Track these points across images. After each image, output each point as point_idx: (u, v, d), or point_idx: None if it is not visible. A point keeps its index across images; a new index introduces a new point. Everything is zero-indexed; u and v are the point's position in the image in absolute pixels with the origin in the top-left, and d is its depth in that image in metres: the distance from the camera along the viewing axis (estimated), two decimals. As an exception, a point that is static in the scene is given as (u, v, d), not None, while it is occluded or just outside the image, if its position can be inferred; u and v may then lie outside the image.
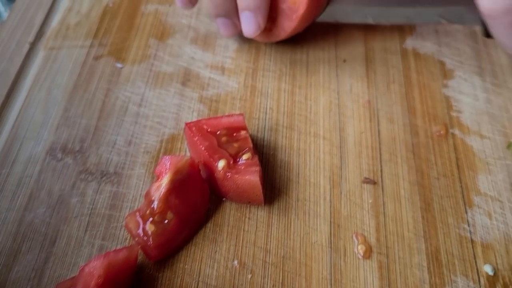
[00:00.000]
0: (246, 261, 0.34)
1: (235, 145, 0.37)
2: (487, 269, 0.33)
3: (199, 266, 0.34)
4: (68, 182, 0.38)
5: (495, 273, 0.33)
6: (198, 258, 0.34)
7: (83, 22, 0.49)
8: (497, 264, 0.34)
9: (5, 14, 0.55)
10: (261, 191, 0.35)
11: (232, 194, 0.36)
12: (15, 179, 0.38)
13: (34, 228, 0.36)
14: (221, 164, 0.35)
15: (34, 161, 0.39)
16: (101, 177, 0.38)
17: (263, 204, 0.36)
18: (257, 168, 0.35)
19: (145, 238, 0.33)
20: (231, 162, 0.36)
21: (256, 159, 0.36)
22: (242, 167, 0.35)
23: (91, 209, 0.37)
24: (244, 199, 0.36)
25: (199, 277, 0.34)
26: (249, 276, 0.34)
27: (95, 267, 0.30)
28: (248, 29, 0.38)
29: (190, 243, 0.35)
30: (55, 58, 0.46)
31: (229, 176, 0.35)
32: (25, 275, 0.34)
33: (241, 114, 0.38)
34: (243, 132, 0.37)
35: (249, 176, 0.35)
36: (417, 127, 0.40)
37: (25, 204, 0.37)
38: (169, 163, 0.34)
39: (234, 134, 0.37)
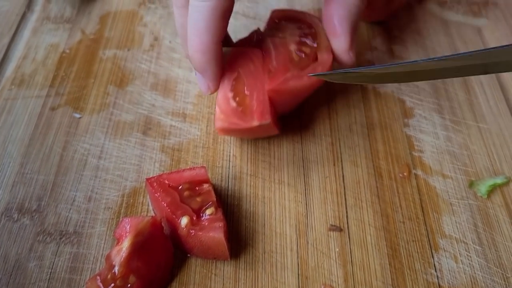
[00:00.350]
0: (214, 321, 0.33)
1: (198, 199, 0.36)
2: (455, 315, 0.33)
3: (164, 330, 0.33)
4: (25, 245, 0.37)
5: (463, 319, 0.33)
6: (163, 322, 0.33)
7: (39, 70, 0.48)
8: (464, 309, 0.34)
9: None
10: (226, 247, 0.34)
11: (197, 250, 0.35)
12: (-33, 245, 0.37)
13: (-12, 298, 0.34)
14: (184, 221, 0.34)
15: (-12, 224, 0.38)
16: (60, 238, 0.37)
17: (229, 259, 0.36)
18: (221, 224, 0.34)
19: (107, 304, 0.32)
20: (194, 218, 0.35)
21: (220, 213, 0.35)
22: (206, 223, 0.35)
23: (50, 274, 0.35)
24: (210, 255, 0.35)
25: None
26: (217, 337, 0.33)
27: None
28: (201, 89, 0.37)
29: (154, 306, 0.34)
30: (10, 110, 0.45)
31: (193, 233, 0.34)
32: None
33: (203, 167, 0.37)
34: (205, 185, 0.37)
35: (213, 233, 0.34)
36: (380, 169, 0.40)
37: (-22, 272, 0.35)
38: (129, 225, 0.33)
39: (197, 188, 0.37)
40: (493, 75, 0.47)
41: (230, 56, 0.38)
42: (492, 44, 0.50)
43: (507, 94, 0.45)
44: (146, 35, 0.51)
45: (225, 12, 0.34)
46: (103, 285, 0.32)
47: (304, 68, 0.37)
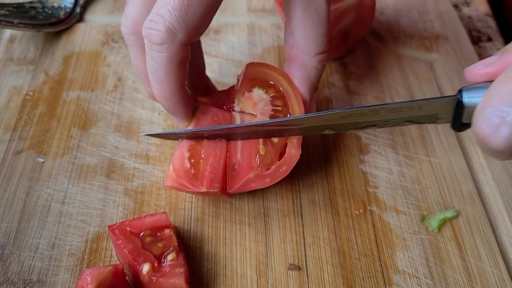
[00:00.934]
0: None
1: (160, 244, 0.37)
2: None
3: None
4: (-13, 296, 0.37)
5: None
6: None
7: (1, 114, 0.48)
8: None
9: None
10: None
11: None
12: None
13: None
14: (145, 268, 0.35)
15: (-51, 275, 0.38)
16: (24, 287, 0.37)
17: (191, 303, 0.37)
18: (182, 269, 0.35)
19: None
20: (156, 265, 0.36)
21: (181, 258, 0.36)
22: (167, 269, 0.35)
23: (13, 325, 0.35)
24: None
25: None
26: None
27: None
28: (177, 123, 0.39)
29: None
30: (-28, 156, 0.45)
31: (154, 280, 0.35)
32: None
33: (164, 213, 0.38)
34: (167, 231, 0.38)
35: (174, 279, 0.35)
36: (337, 207, 0.42)
37: None
38: (90, 277, 0.33)
39: (158, 234, 0.38)
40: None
41: (200, 112, 0.39)
42: (443, 78, 0.52)
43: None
44: (109, 75, 0.52)
45: (182, 60, 0.35)
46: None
47: (268, 166, 0.37)
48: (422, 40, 0.56)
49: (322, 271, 0.38)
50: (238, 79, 0.40)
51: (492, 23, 0.62)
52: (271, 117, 0.38)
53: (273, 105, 0.39)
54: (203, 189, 0.36)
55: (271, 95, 0.39)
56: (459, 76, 0.52)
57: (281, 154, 0.38)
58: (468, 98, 0.31)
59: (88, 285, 0.33)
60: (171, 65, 0.35)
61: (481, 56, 0.58)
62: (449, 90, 0.51)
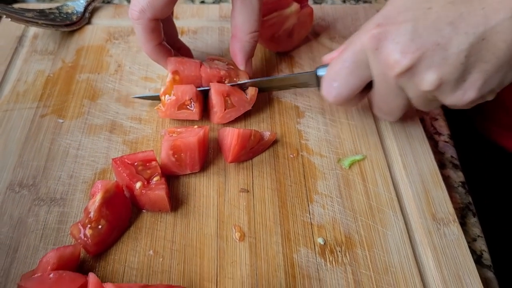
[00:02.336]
0: (159, 250, 0.49)
1: (148, 171, 0.52)
2: (320, 240, 0.51)
3: (125, 256, 0.49)
4: (25, 207, 0.52)
5: (325, 243, 0.50)
6: (124, 251, 0.49)
7: (30, 89, 0.64)
8: (326, 237, 0.51)
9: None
10: (167, 202, 0.51)
11: (147, 205, 0.51)
12: (-17, 208, 0.52)
13: (0, 242, 0.49)
14: (138, 185, 0.51)
15: (-3, 195, 0.53)
16: (51, 202, 0.52)
17: (170, 211, 0.52)
18: (163, 186, 0.51)
19: (85, 239, 0.47)
20: (145, 183, 0.51)
21: (163, 180, 0.52)
22: (153, 186, 0.51)
23: (44, 225, 0.51)
24: (156, 209, 0.52)
25: (125, 264, 0.48)
26: (161, 259, 0.49)
27: (50, 257, 0.44)
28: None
29: (118, 241, 0.50)
30: (9, 118, 0.60)
31: (144, 193, 0.50)
32: (-4, 274, 0.47)
33: (151, 151, 0.54)
34: (153, 163, 0.53)
35: (158, 192, 0.50)
36: (278, 152, 0.58)
37: (-8, 225, 0.50)
38: (100, 185, 0.49)
39: (147, 164, 0.53)
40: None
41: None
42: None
43: (370, 101, 0.64)
44: (111, 63, 0.68)
45: (153, 29, 0.55)
46: (82, 227, 0.48)
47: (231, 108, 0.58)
48: (353, 39, 0.73)
49: (264, 193, 0.54)
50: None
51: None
52: (226, 71, 0.59)
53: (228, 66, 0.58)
54: (188, 172, 0.53)
55: (226, 63, 0.58)
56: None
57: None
58: (319, 73, 0.55)
59: (99, 190, 0.49)
60: (145, 32, 0.54)
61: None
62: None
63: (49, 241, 0.49)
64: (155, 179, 0.52)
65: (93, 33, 0.72)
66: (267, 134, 0.57)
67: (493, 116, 0.79)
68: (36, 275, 0.43)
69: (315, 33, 0.73)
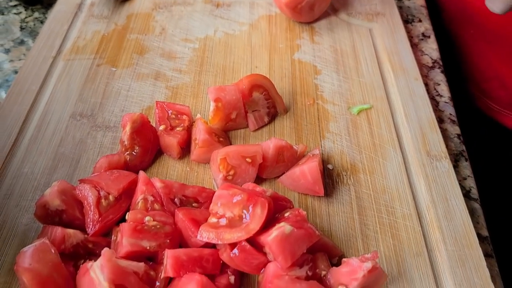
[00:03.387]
0: (194, 167, 0.59)
1: (177, 121, 0.62)
2: (329, 166, 0.60)
3: (165, 170, 0.59)
4: (84, 132, 0.63)
5: (333, 168, 0.60)
6: (165, 165, 0.59)
7: (88, 45, 0.75)
8: (335, 164, 0.60)
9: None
10: (176, 150, 0.59)
11: (162, 146, 0.60)
12: (51, 130, 0.63)
13: (65, 155, 0.60)
14: (162, 127, 0.60)
15: (62, 122, 0.64)
16: (105, 129, 0.63)
17: (176, 159, 0.61)
18: (179, 136, 0.58)
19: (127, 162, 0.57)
20: (168, 128, 0.60)
21: (185, 132, 0.59)
22: (172, 132, 0.60)
23: (100, 145, 0.61)
24: (167, 152, 0.60)
25: (166, 176, 0.58)
26: (195, 174, 0.59)
27: (103, 162, 0.54)
28: None
29: (155, 161, 0.60)
30: (71, 66, 0.72)
31: (162, 134, 0.59)
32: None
33: (188, 107, 0.63)
34: (185, 116, 0.62)
35: (171, 138, 0.58)
36: (297, 101, 0.68)
37: (58, 143, 0.61)
38: (127, 117, 0.58)
39: (179, 116, 0.62)
40: (373, 53, 0.75)
41: None
42: (377, 38, 0.78)
43: (380, 63, 0.74)
44: (156, 27, 0.79)
45: None
46: (122, 148, 0.58)
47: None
48: (367, 15, 0.83)
49: (283, 129, 0.64)
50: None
51: (424, 11, 0.89)
52: (269, 107, 0.63)
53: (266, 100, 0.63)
54: None
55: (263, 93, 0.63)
56: (388, 37, 0.78)
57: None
58: None
59: (127, 122, 0.58)
60: None
61: (410, 31, 0.84)
62: (381, 46, 0.77)
63: (103, 154, 0.60)
64: (179, 128, 0.61)
65: (141, 3, 0.83)
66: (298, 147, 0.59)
67: (493, 94, 0.87)
68: (94, 174, 0.54)
69: (334, 9, 0.83)
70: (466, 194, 0.62)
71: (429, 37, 0.84)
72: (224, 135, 0.62)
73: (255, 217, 0.45)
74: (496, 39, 0.81)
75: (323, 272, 0.47)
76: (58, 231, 0.47)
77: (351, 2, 0.85)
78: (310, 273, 0.46)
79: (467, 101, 0.92)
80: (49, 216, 0.50)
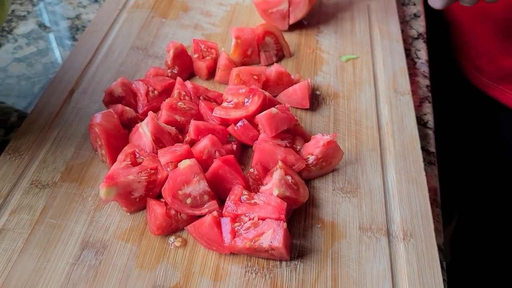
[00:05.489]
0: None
1: (207, 52, 0.82)
2: (317, 92, 0.79)
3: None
4: (139, 58, 0.85)
5: (320, 94, 0.79)
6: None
7: (146, 2, 0.98)
8: (321, 91, 0.80)
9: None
10: (204, 72, 0.81)
11: (196, 71, 0.82)
12: (115, 55, 0.85)
13: (124, 72, 0.82)
14: (195, 55, 0.81)
15: (123, 51, 0.86)
16: (154, 58, 0.85)
17: (203, 78, 0.82)
18: (203, 63, 0.81)
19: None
20: (200, 57, 0.81)
21: (214, 60, 0.82)
22: (201, 58, 0.81)
23: (149, 66, 0.83)
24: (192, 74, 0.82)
25: (195, 90, 0.80)
26: (217, 90, 0.80)
27: (151, 71, 0.76)
28: None
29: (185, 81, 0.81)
30: (132, 16, 0.95)
31: (197, 60, 0.81)
32: (123, 83, 0.80)
33: (215, 43, 0.84)
34: (212, 50, 0.83)
35: (201, 62, 0.80)
36: (300, 49, 0.88)
37: (120, 63, 0.84)
38: (171, 44, 0.79)
39: (209, 49, 0.83)
40: (367, 21, 0.94)
41: None
42: (373, 13, 0.98)
43: (371, 28, 0.93)
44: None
45: None
46: (166, 66, 0.80)
47: None
48: (368, -5, 1.02)
49: (286, 65, 0.84)
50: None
51: (418, -3, 1.08)
52: (278, 50, 0.84)
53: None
54: None
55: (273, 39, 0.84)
56: (381, 11, 0.97)
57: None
58: None
59: (171, 48, 0.80)
60: None
61: (404, 12, 1.03)
62: (374, 17, 0.96)
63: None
64: (207, 57, 0.82)
65: (188, -24, 1.06)
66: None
67: (484, 69, 1.00)
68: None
69: (341, -11, 1.03)
70: (424, 124, 0.80)
71: (419, 16, 1.03)
72: (240, 66, 0.83)
73: (253, 102, 0.66)
74: (486, 17, 0.93)
75: (298, 147, 0.66)
76: (119, 106, 0.69)
77: (356, -15, 1.05)
78: (288, 145, 0.65)
79: (462, 77, 1.05)
80: (113, 102, 0.72)
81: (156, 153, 0.63)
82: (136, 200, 0.60)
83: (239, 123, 0.66)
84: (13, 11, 1.00)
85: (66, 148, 0.69)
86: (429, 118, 0.81)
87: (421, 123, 0.79)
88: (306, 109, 0.76)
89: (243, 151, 0.69)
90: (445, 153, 0.86)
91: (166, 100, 0.69)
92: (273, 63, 0.84)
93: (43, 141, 0.70)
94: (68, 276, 0.55)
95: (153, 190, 0.60)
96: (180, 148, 0.60)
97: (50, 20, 0.99)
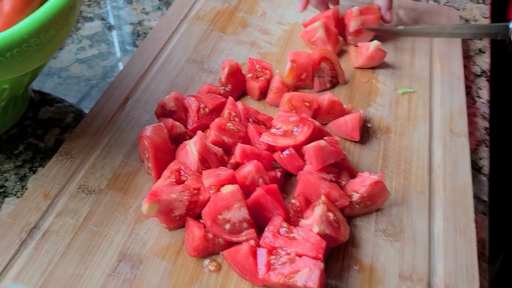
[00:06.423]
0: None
1: (261, 73, 0.82)
2: (369, 125, 0.77)
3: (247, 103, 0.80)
4: (194, 72, 0.86)
5: (371, 127, 0.77)
6: (241, 101, 0.81)
7: (206, 15, 0.99)
8: (373, 124, 0.78)
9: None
10: (256, 92, 0.80)
11: (248, 91, 0.82)
12: (171, 66, 0.87)
13: (179, 84, 0.83)
14: (249, 75, 0.81)
15: (180, 63, 0.88)
16: (209, 72, 0.86)
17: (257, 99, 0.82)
18: (256, 84, 0.80)
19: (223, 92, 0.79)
20: (254, 77, 0.81)
21: (268, 80, 0.81)
22: (255, 78, 0.81)
23: (203, 81, 0.84)
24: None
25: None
26: (267, 112, 0.79)
27: (205, 87, 0.77)
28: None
29: (237, 100, 0.82)
30: (192, 27, 0.96)
31: (247, 79, 0.81)
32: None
33: (270, 64, 0.83)
34: (267, 71, 0.83)
35: (253, 82, 0.80)
36: (355, 77, 0.86)
37: (175, 75, 0.85)
38: (226, 62, 0.79)
39: (263, 70, 0.83)
40: (428, 54, 0.91)
41: None
42: (435, 45, 0.94)
43: (432, 61, 0.90)
44: (259, 10, 1.01)
45: None
46: (219, 83, 0.80)
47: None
48: (432, 26, 0.99)
49: (339, 94, 0.82)
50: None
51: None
52: (332, 77, 0.83)
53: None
54: None
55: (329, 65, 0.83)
56: (444, 45, 0.94)
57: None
58: None
59: (226, 65, 0.79)
60: None
61: (469, 46, 0.99)
62: (436, 50, 0.93)
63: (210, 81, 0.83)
64: (261, 78, 0.82)
65: (251, -8, 1.07)
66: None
67: None
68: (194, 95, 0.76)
69: (401, 20, 1.01)
70: (478, 170, 0.76)
71: (484, 52, 0.99)
72: (293, 90, 0.82)
73: (302, 132, 0.65)
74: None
75: (343, 182, 0.65)
76: (170, 121, 0.70)
77: (421, 17, 1.02)
78: (333, 180, 0.64)
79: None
80: (164, 115, 0.73)
81: (201, 173, 0.63)
82: (176, 218, 0.60)
83: (286, 152, 0.65)
84: (80, 11, 1.04)
85: (115, 156, 0.71)
86: (485, 163, 0.78)
87: (475, 168, 0.75)
88: (355, 142, 0.74)
89: (287, 178, 0.69)
90: (497, 200, 0.82)
91: (215, 120, 0.69)
92: (326, 89, 0.83)
93: (95, 146, 0.72)
94: (103, 287, 0.56)
95: (194, 210, 0.61)
96: (225, 172, 0.60)
97: (115, 24, 1.02)
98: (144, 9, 1.07)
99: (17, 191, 0.70)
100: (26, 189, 0.70)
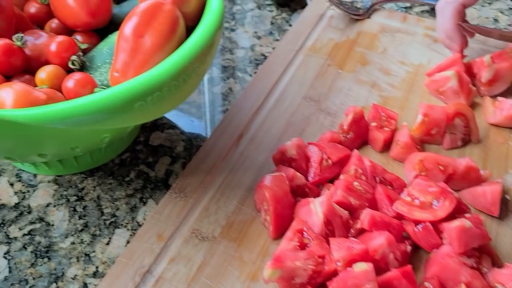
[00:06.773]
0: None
1: (386, 122, 0.75)
2: (507, 197, 0.69)
3: (367, 157, 0.74)
4: (311, 111, 0.81)
5: (510, 199, 0.69)
6: (361, 152, 0.75)
7: (323, 47, 0.94)
8: (512, 197, 0.69)
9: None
10: (381, 143, 0.74)
11: (370, 141, 0.75)
12: (286, 104, 0.82)
13: (294, 125, 0.79)
14: (373, 124, 0.75)
15: (295, 100, 0.83)
16: (327, 114, 0.81)
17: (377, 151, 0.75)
18: (382, 136, 0.74)
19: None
20: (378, 126, 0.74)
21: (393, 131, 0.75)
22: (379, 128, 0.75)
23: (320, 124, 0.79)
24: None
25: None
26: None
27: (327, 135, 0.72)
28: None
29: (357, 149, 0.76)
30: (308, 61, 0.91)
31: (374, 130, 0.74)
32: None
33: (397, 114, 0.76)
34: (392, 121, 0.76)
35: (378, 133, 0.74)
36: (489, 136, 0.78)
37: (290, 114, 0.80)
38: (352, 108, 0.73)
39: (387, 118, 0.76)
40: None
41: None
42: None
43: None
44: (379, 46, 0.95)
45: (460, 10, 0.78)
46: (341, 130, 0.74)
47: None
48: None
49: (472, 155, 0.74)
50: None
51: None
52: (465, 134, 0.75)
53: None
54: None
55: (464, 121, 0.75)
56: None
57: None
58: None
59: (351, 112, 0.74)
60: (454, 12, 0.80)
61: None
62: None
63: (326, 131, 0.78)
64: (385, 128, 0.75)
65: (371, 24, 1.00)
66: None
67: None
68: (319, 141, 0.71)
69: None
70: None
71: None
72: (420, 144, 0.75)
73: (443, 207, 0.58)
74: None
75: (485, 269, 0.57)
76: (291, 171, 0.65)
77: None
78: (474, 266, 0.57)
79: None
80: (282, 161, 0.69)
81: (324, 236, 0.58)
82: (296, 286, 0.56)
83: (420, 225, 0.58)
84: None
85: (229, 200, 0.68)
86: None
87: None
88: (492, 216, 0.66)
89: (414, 251, 0.62)
90: None
91: (342, 177, 0.64)
92: (457, 147, 0.75)
93: (208, 186, 0.69)
94: None
95: (316, 279, 0.56)
96: (358, 246, 0.55)
97: (226, 48, 0.99)
98: (255, 33, 1.03)
99: (127, 223, 0.68)
100: (137, 222, 0.68)
